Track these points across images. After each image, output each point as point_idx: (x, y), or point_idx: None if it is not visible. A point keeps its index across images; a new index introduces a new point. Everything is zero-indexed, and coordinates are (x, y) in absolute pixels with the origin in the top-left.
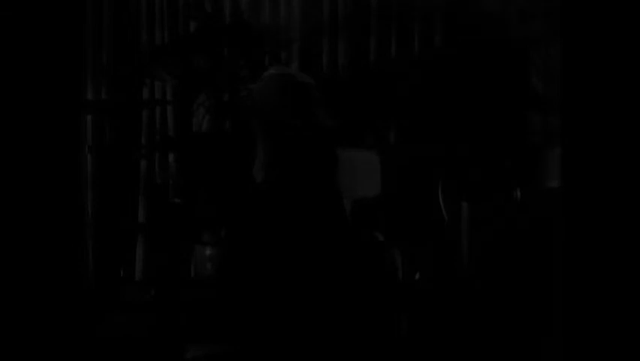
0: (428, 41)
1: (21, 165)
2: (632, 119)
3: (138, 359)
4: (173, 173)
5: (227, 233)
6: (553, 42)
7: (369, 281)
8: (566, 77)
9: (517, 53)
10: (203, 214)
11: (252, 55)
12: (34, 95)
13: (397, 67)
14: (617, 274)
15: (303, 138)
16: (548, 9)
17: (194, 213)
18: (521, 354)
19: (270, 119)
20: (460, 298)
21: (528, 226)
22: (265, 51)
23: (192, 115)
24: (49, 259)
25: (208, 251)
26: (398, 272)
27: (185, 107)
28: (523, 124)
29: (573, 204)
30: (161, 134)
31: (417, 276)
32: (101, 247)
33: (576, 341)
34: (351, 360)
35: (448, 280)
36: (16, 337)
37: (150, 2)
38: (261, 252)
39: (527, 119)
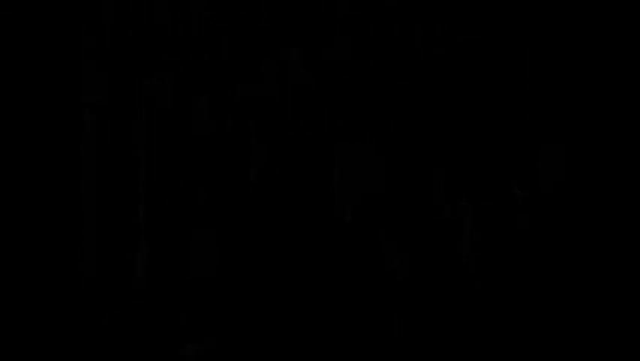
0: (428, 41)
1: (20, 165)
2: (634, 119)
3: (137, 359)
4: (173, 173)
5: (226, 233)
6: (553, 42)
7: (368, 281)
8: (568, 77)
9: (518, 53)
10: (203, 214)
11: (252, 54)
12: (34, 95)
13: (399, 66)
14: (617, 273)
15: (302, 138)
16: (549, 9)
17: (193, 213)
18: (521, 354)
19: (269, 119)
20: (459, 298)
21: (528, 226)
22: (265, 51)
23: (192, 115)
24: (48, 259)
25: (208, 251)
26: (397, 272)
27: (185, 107)
28: (523, 124)
29: (574, 205)
30: (161, 134)
31: (417, 276)
32: (101, 247)
33: (576, 340)
34: (349, 359)
35: (447, 280)
36: (17, 337)
37: (150, 2)
38: (259, 251)
39: (527, 118)
